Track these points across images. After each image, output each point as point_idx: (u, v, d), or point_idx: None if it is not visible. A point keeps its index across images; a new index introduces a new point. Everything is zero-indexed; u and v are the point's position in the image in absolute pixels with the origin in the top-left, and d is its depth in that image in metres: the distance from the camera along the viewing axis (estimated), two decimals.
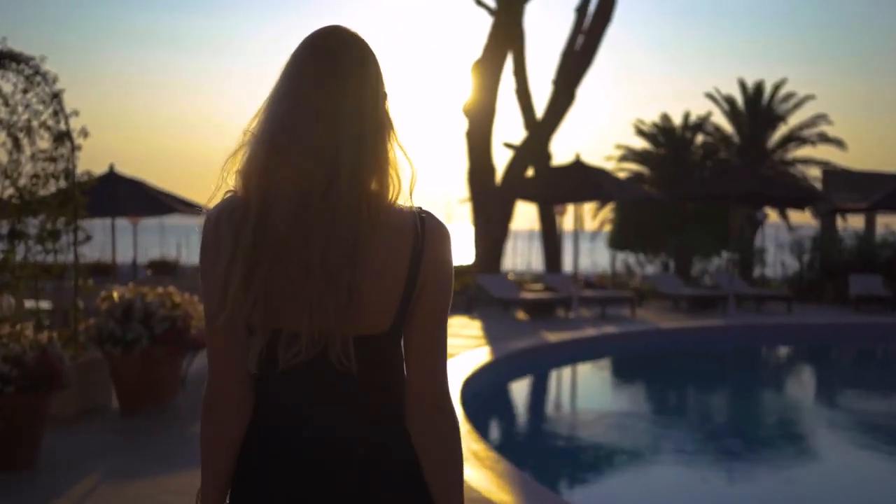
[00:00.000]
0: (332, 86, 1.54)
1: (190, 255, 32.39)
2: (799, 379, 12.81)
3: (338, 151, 1.51)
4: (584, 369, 12.22)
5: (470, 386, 8.67)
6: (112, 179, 14.95)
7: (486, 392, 9.51)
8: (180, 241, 33.57)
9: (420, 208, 1.62)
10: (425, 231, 1.59)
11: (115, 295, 7.23)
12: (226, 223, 1.55)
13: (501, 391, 10.21)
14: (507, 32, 19.22)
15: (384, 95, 1.60)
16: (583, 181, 15.09)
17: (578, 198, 15.25)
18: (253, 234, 1.51)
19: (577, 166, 15.73)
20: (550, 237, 20.69)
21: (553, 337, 12.06)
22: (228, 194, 1.60)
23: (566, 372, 11.85)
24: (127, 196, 14.71)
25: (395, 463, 1.60)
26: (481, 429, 7.87)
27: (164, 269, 18.38)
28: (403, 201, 1.60)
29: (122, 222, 21.44)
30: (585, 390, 11.01)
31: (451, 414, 1.61)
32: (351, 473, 1.56)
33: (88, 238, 7.40)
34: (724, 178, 17.18)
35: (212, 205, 1.61)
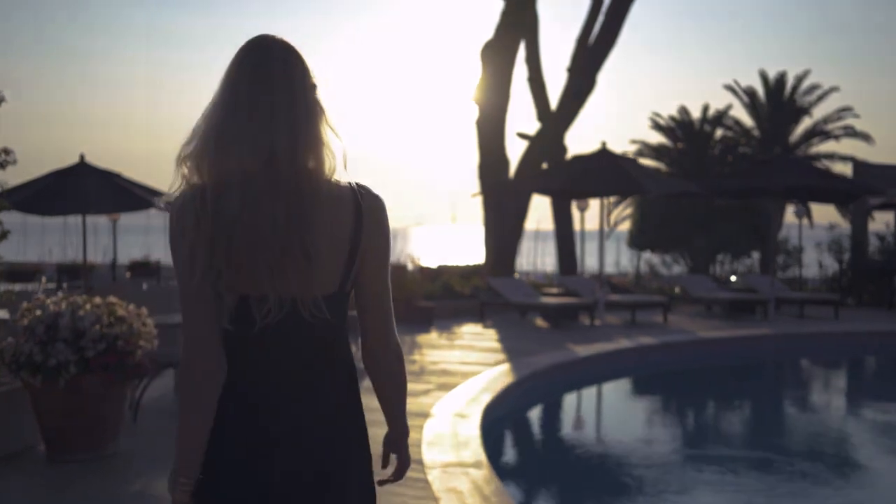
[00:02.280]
0: (263, 82, 1.80)
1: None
2: (867, 396, 11.12)
3: (273, 136, 1.77)
4: (624, 387, 10.59)
5: (493, 412, 7.05)
6: (82, 172, 13.30)
7: (511, 418, 7.90)
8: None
9: (357, 183, 1.87)
10: (364, 202, 1.84)
11: (49, 303, 5.62)
12: (188, 209, 1.78)
13: (530, 418, 8.59)
14: (520, 15, 17.61)
15: (312, 86, 1.85)
16: (612, 172, 13.39)
17: (607, 191, 13.58)
18: (212, 215, 1.75)
19: (604, 155, 14.04)
20: (565, 235, 19.02)
21: (583, 349, 10.42)
22: (185, 184, 1.82)
23: (603, 391, 10.24)
24: (98, 190, 13.05)
25: (341, 404, 1.88)
26: (509, 470, 6.22)
27: (145, 271, 16.73)
28: (340, 177, 1.84)
29: (102, 220, 19.86)
30: (629, 413, 9.34)
31: (400, 355, 1.96)
32: (315, 415, 1.84)
33: (5, 234, 5.78)
34: (766, 170, 15.47)
35: (172, 192, 1.83)
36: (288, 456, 1.82)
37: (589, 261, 30.56)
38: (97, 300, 5.72)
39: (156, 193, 13.75)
